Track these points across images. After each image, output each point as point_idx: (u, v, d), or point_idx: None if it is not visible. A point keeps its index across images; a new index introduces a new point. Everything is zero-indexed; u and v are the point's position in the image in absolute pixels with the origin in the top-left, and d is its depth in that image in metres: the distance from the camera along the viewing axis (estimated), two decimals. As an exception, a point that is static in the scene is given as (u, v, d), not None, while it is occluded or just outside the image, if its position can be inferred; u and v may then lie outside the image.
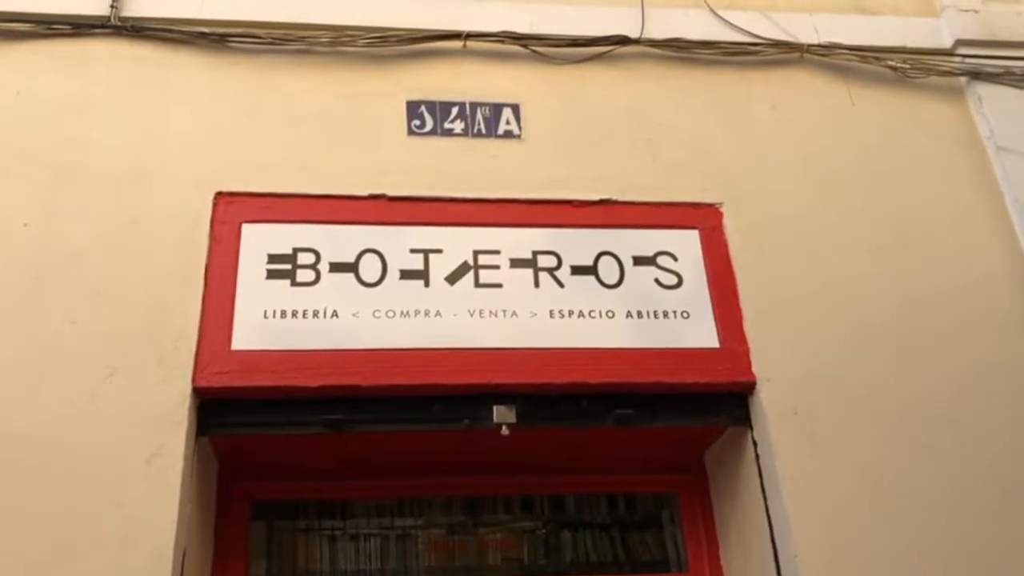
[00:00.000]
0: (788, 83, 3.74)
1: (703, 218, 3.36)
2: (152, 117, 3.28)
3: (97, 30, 3.39)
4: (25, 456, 2.63)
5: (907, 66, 3.79)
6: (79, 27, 3.38)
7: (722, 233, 3.34)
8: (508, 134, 3.46)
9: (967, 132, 3.71)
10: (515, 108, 3.51)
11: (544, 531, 4.10)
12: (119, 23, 3.39)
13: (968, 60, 3.83)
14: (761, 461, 3.02)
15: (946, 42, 3.89)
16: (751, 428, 3.08)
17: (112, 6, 3.41)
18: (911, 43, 3.87)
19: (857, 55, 3.79)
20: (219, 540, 3.10)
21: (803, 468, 2.92)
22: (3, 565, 2.49)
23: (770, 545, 2.91)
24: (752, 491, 3.04)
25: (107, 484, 2.62)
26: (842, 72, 3.79)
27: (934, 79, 3.81)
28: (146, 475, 2.63)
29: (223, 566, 3.06)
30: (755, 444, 3.05)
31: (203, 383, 2.82)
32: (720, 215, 3.37)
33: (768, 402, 3.03)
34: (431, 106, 3.47)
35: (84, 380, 2.76)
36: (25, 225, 3.00)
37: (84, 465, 2.64)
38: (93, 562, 2.52)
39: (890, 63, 3.78)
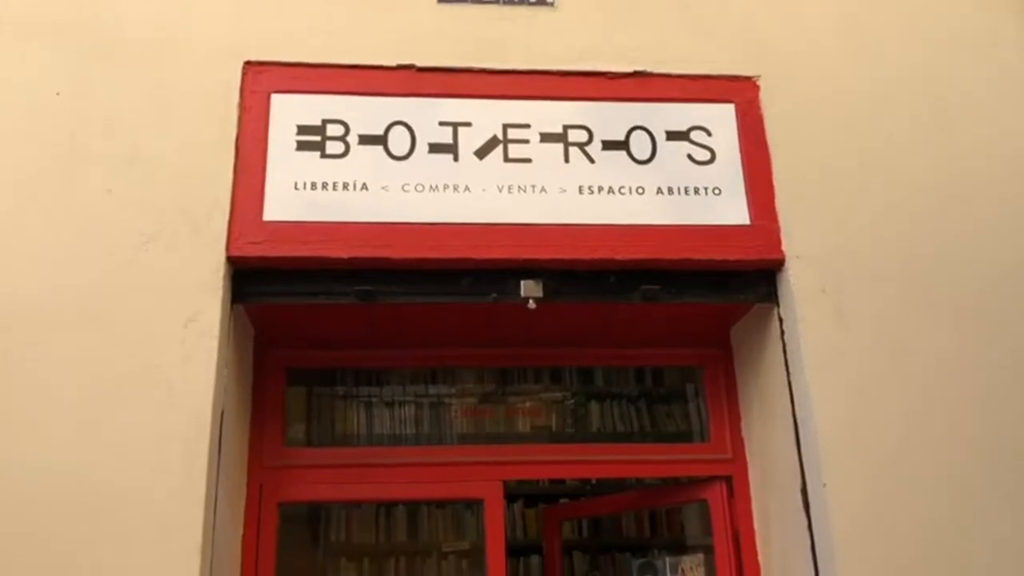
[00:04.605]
0: (832, -54, 3.54)
1: (739, 92, 3.27)
2: (179, -16, 3.22)
3: None
4: (67, 321, 2.73)
5: (958, -76, 3.55)
6: None
7: (758, 107, 3.25)
8: (541, 1, 3.35)
9: (1019, -4, 3.53)
10: (548, -27, 3.39)
11: (572, 402, 4.21)
12: None
13: (1026, -83, 3.59)
14: (786, 337, 3.04)
15: None
16: (778, 305, 3.09)
17: None
18: None
19: (905, -87, 3.56)
20: (256, 404, 3.23)
21: (828, 345, 2.94)
22: (47, 426, 2.62)
23: (791, 419, 2.97)
24: (776, 366, 3.08)
25: (146, 349, 2.72)
26: (888, -67, 3.58)
27: (987, -62, 3.58)
28: (183, 340, 2.73)
29: (260, 428, 3.21)
30: (781, 321, 3.06)
31: (237, 252, 2.87)
32: (757, 88, 3.28)
33: (796, 279, 3.02)
34: (462, -29, 3.36)
35: (121, 248, 2.83)
36: (57, 94, 3.01)
37: (123, 330, 2.73)
38: (135, 422, 2.64)
39: (939, -79, 3.55)
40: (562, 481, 5.80)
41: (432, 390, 3.96)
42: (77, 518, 2.54)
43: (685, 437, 3.85)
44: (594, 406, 4.47)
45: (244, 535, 3.05)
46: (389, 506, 5.00)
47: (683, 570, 3.49)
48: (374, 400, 3.90)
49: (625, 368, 4.34)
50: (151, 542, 2.53)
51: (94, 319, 2.74)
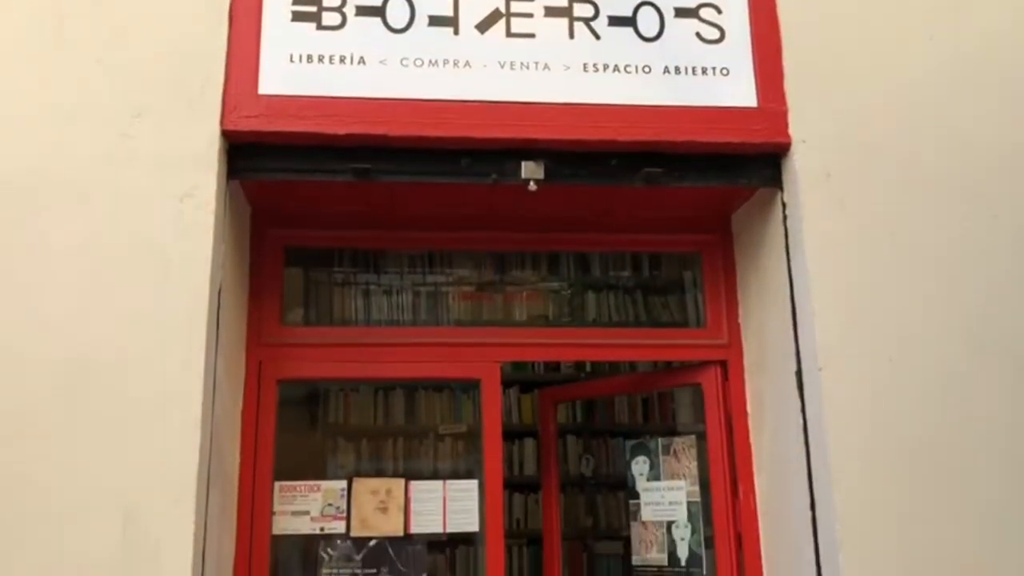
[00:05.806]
0: None
1: (753, -34, 3.15)
2: None
3: None
4: (59, 194, 2.69)
5: None
6: None
7: (771, -16, 3.14)
8: None
9: None
10: None
11: (569, 292, 4.21)
12: None
13: None
14: (788, 223, 3.01)
15: None
16: (782, 190, 3.05)
17: None
18: None
19: None
20: (254, 282, 3.22)
21: (830, 231, 2.91)
22: (47, 302, 2.61)
23: (789, 303, 2.97)
24: (776, 252, 3.06)
25: (141, 223, 2.68)
26: None
27: None
28: (179, 214, 2.69)
29: (259, 306, 3.20)
30: (784, 206, 3.03)
31: (231, 127, 2.80)
32: (771, -36, 3.16)
33: (801, 164, 2.97)
34: None
35: (113, 120, 2.76)
36: (42, -39, 2.89)
37: (118, 204, 2.69)
38: (132, 297, 2.63)
39: None
40: (557, 368, 5.87)
41: (430, 278, 3.95)
42: (77, 392, 2.55)
43: (681, 327, 3.86)
44: (591, 296, 4.47)
45: (244, 411, 3.09)
46: (387, 389, 5.06)
47: (675, 451, 3.56)
48: (372, 287, 3.89)
49: (622, 257, 4.32)
50: (151, 415, 2.55)
51: (88, 191, 2.69)
